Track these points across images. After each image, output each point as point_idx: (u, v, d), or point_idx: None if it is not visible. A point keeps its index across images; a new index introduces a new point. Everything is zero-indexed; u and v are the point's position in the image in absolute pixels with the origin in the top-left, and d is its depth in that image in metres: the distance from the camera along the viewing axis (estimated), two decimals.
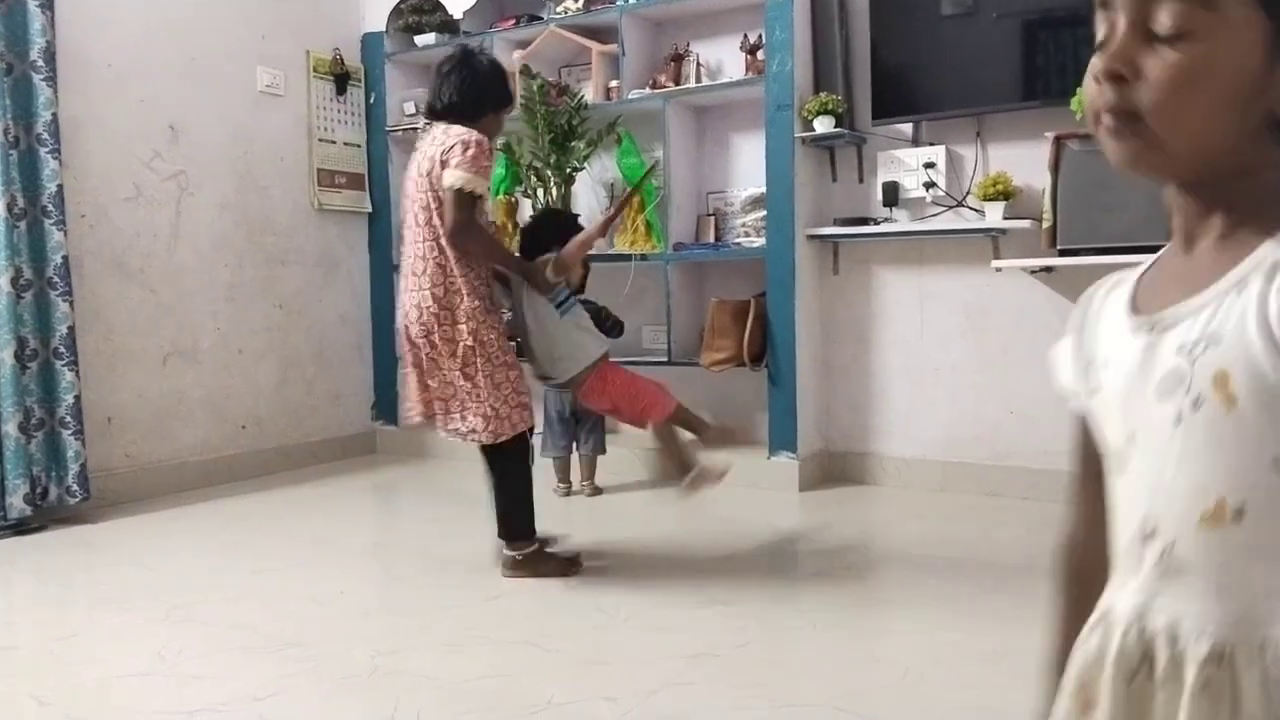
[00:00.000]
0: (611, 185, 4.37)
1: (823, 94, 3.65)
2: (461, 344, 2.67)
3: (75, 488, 3.43)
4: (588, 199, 4.40)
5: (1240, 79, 0.59)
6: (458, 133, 2.67)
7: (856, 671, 2.11)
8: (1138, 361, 0.64)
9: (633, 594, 2.61)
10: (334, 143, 4.68)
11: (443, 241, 2.66)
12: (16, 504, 3.29)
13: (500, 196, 4.43)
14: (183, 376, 4.00)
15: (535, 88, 4.09)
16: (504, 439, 2.68)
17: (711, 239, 4.07)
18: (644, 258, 4.04)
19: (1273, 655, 0.59)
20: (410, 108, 4.78)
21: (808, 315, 3.79)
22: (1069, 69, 3.30)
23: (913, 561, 2.91)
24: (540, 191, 4.18)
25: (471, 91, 2.74)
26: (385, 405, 4.84)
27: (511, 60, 4.37)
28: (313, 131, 4.58)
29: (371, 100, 4.81)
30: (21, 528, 3.30)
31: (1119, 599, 0.66)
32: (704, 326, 3.90)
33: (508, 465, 2.74)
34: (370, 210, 4.82)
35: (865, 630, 2.41)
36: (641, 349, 4.26)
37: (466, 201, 2.61)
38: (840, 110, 3.63)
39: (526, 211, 4.36)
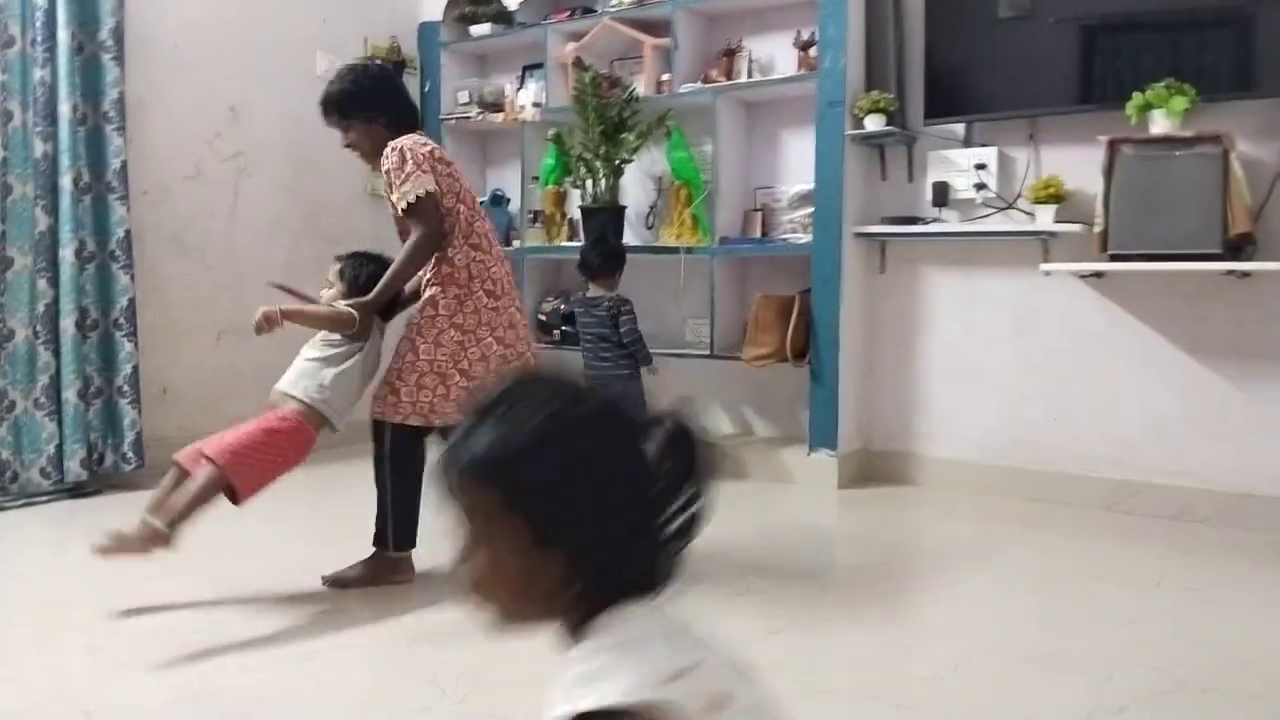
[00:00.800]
0: (659, 178, 4.39)
1: (875, 92, 3.65)
2: None
3: (130, 455, 3.53)
4: (635, 191, 4.43)
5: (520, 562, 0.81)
6: None
7: (890, 663, 2.12)
8: None
9: None
10: None
11: None
12: (74, 468, 3.40)
13: (549, 187, 4.48)
14: (235, 352, 4.09)
15: (587, 80, 4.13)
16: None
17: (758, 234, 4.08)
18: (690, 251, 4.06)
19: None
20: (464, 96, 4.85)
21: (852, 313, 3.79)
22: (1125, 73, 3.28)
23: (950, 561, 2.91)
24: (589, 183, 4.22)
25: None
26: None
27: (565, 52, 4.42)
28: None
29: (426, 88, 4.88)
30: (77, 491, 3.41)
31: None
32: (747, 321, 3.92)
33: None
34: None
35: (900, 624, 2.42)
36: (684, 342, 4.29)
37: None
38: (892, 109, 3.63)
39: (575, 202, 4.41)
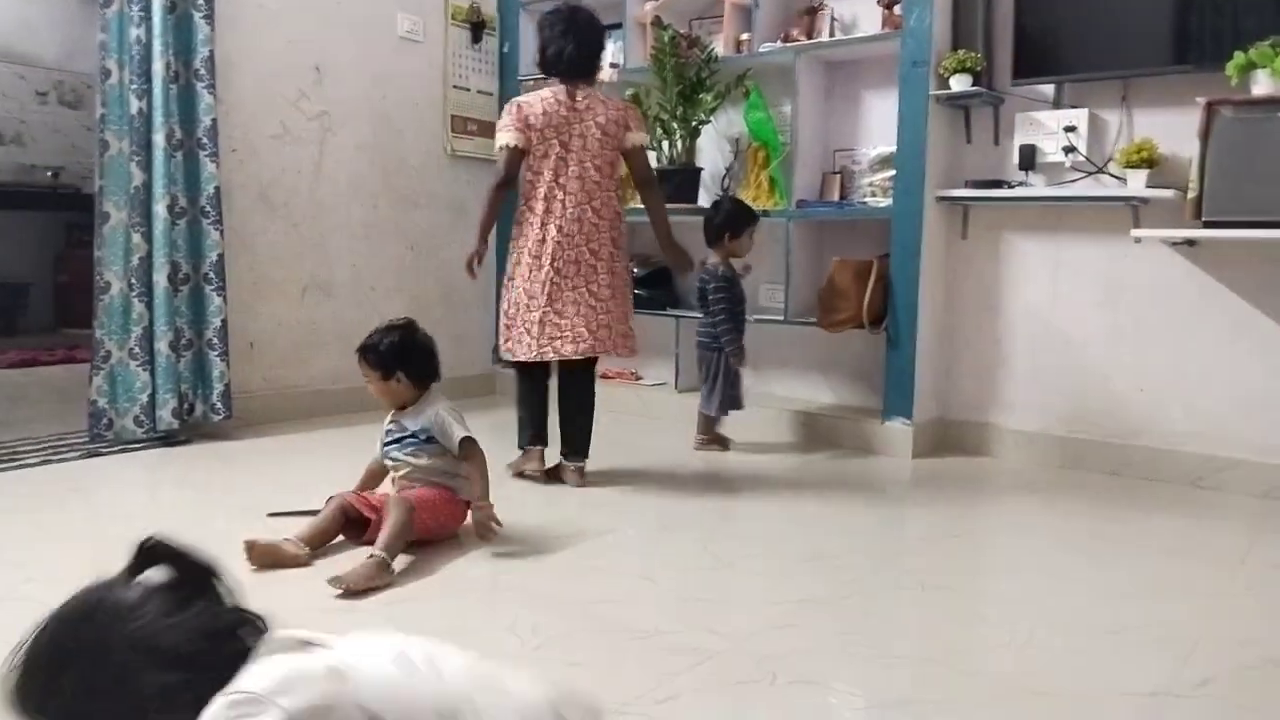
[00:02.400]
0: (736, 140, 4.35)
1: (961, 51, 3.55)
2: None
3: (219, 405, 3.66)
4: (712, 152, 4.40)
5: None
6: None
7: (960, 630, 2.11)
8: None
9: (741, 542, 2.65)
10: (467, 90, 4.79)
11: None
12: (165, 417, 3.53)
13: None
14: (319, 308, 4.20)
15: (665, 39, 4.10)
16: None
17: (836, 197, 4.02)
18: (765, 214, 4.03)
19: None
20: None
21: (932, 279, 3.72)
22: (1225, 32, 3.13)
23: (1026, 532, 2.86)
24: (665, 144, 4.20)
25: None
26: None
27: (644, 11, 4.39)
28: (447, 78, 4.70)
29: (505, 49, 4.89)
30: (168, 439, 3.54)
31: None
32: (823, 286, 3.88)
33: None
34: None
35: (972, 593, 2.40)
36: (758, 307, 4.26)
37: None
38: (979, 68, 3.53)
39: (652, 164, 4.38)
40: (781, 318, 3.98)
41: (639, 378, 4.67)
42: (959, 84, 3.53)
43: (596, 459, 3.31)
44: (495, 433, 4.20)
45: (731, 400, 3.76)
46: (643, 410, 4.40)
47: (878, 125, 3.97)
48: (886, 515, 3.11)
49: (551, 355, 3.14)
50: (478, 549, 2.50)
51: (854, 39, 3.92)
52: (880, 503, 3.20)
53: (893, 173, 3.74)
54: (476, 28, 4.78)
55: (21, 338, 6.51)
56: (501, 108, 4.90)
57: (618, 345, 3.24)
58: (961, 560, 2.61)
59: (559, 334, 3.12)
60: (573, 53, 3.15)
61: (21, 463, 3.23)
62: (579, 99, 3.18)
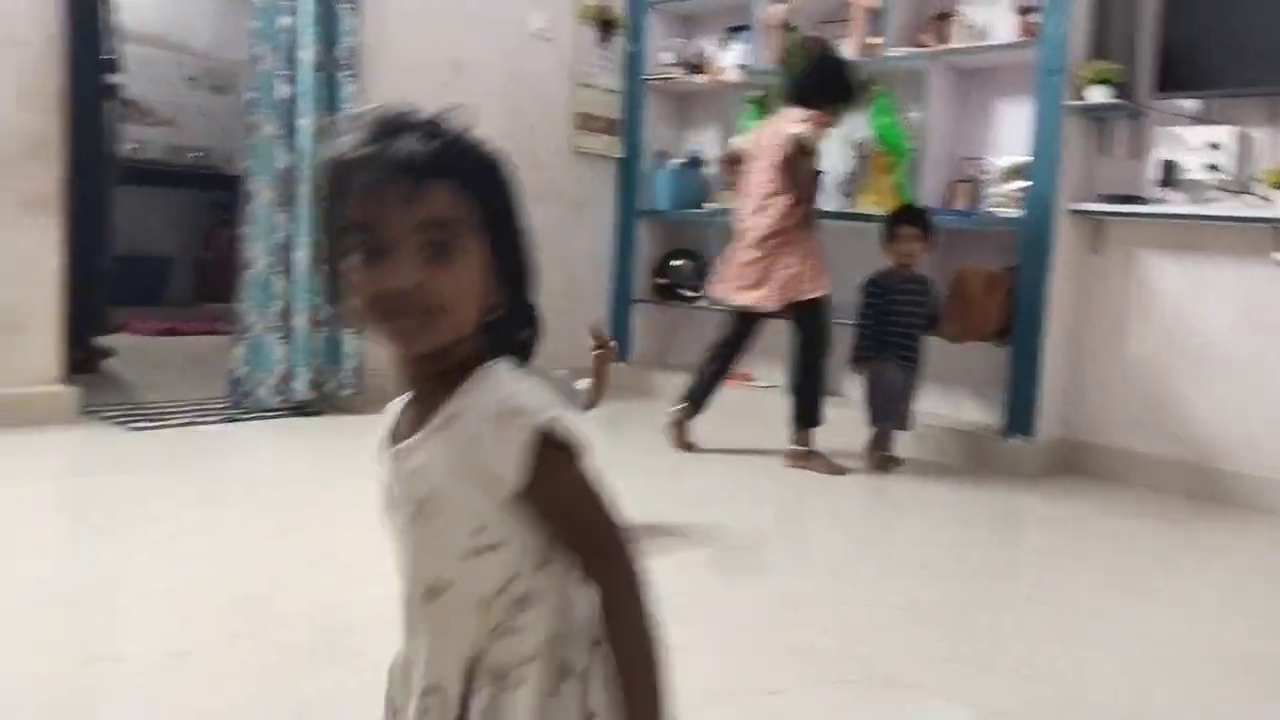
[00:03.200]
0: (860, 144, 4.32)
1: (1100, 61, 3.46)
2: None
3: (349, 380, 3.83)
4: (836, 158, 4.38)
5: (484, 278, 0.82)
6: None
7: (1067, 649, 2.07)
8: (389, 481, 0.87)
9: (849, 546, 2.65)
10: (594, 88, 4.87)
11: None
12: (300, 389, 3.71)
13: None
14: None
15: (793, 41, 4.10)
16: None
17: (963, 206, 3.96)
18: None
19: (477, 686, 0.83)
20: (668, 57, 4.90)
21: (1062, 294, 3.63)
22: None
23: (1148, 559, 2.78)
24: None
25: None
26: (617, 344, 5.04)
27: (772, 13, 4.39)
28: (575, 76, 4.79)
29: (632, 49, 4.96)
30: (302, 410, 3.73)
31: (405, 643, 0.90)
32: (945, 296, 3.82)
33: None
34: (621, 156, 4.99)
35: (1084, 613, 2.34)
36: None
37: None
38: (1118, 80, 3.43)
39: None
40: None
41: (751, 379, 4.68)
42: (1097, 95, 3.44)
43: (707, 459, 3.34)
44: (607, 429, 4.29)
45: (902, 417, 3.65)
46: (753, 412, 4.41)
47: (1009, 134, 3.89)
48: (1000, 530, 3.06)
49: None
50: None
51: (987, 46, 3.85)
52: (995, 518, 3.15)
53: (1023, 183, 3.66)
54: (605, 26, 4.86)
55: (164, 308, 6.89)
56: (626, 106, 5.00)
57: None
58: (1075, 580, 2.55)
59: None
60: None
61: (167, 423, 3.45)
62: None
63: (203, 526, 2.45)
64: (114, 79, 4.32)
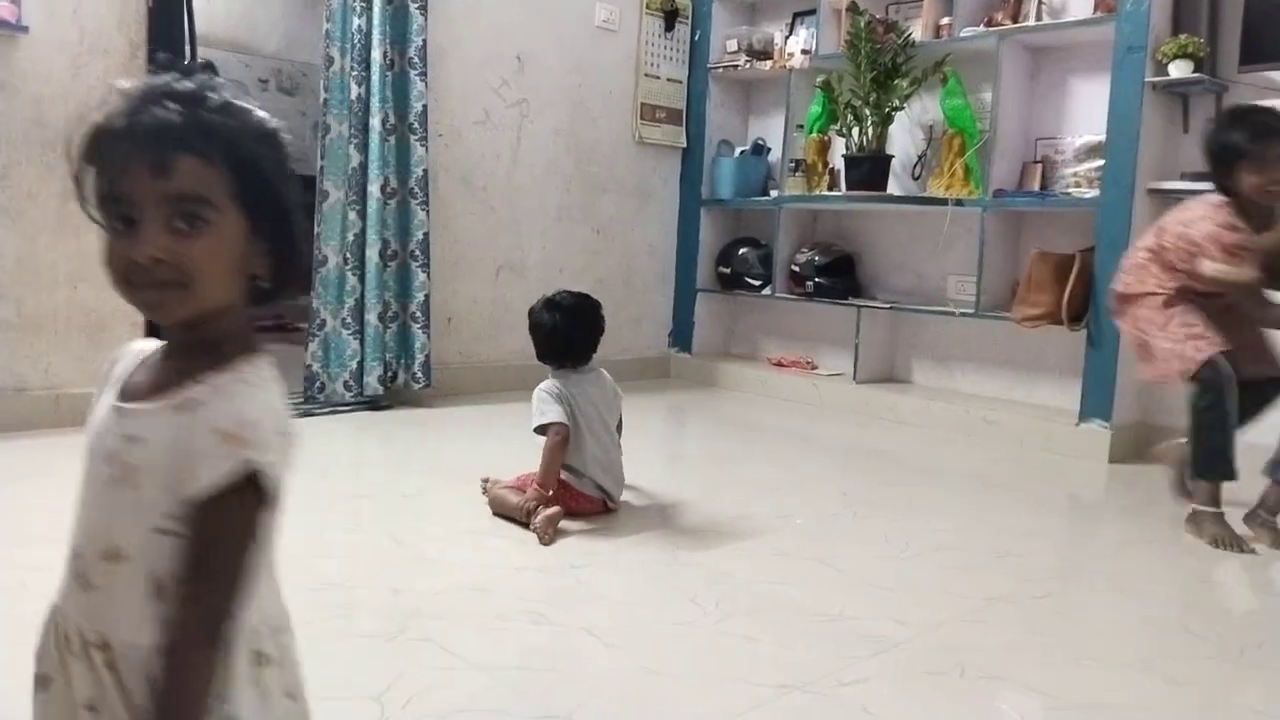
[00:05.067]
0: (930, 127, 4.25)
1: (1182, 35, 3.35)
2: None
3: (419, 375, 3.89)
4: (903, 140, 4.32)
5: (236, 252, 0.83)
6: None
7: (1160, 637, 2.01)
8: (101, 429, 0.85)
9: (925, 535, 2.61)
10: (657, 78, 4.87)
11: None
12: (371, 383, 3.78)
13: (814, 135, 4.44)
14: (511, 287, 4.38)
15: (861, 24, 4.05)
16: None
17: (1036, 187, 3.87)
18: (959, 203, 3.92)
19: (139, 651, 0.80)
20: (733, 45, 4.87)
21: None
22: None
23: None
24: (855, 131, 4.15)
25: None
26: (680, 334, 5.05)
27: None
28: (639, 66, 4.79)
29: (696, 37, 4.94)
30: (374, 404, 3.80)
31: (61, 594, 0.87)
32: (1017, 279, 3.75)
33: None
34: (685, 145, 4.98)
35: (1174, 601, 2.28)
36: (945, 299, 4.17)
37: None
38: (1201, 54, 3.32)
39: (839, 151, 4.35)
40: (972, 310, 3.87)
41: (815, 367, 4.64)
42: (1178, 70, 3.33)
43: (773, 447, 3.32)
44: (672, 417, 4.29)
45: None
46: (816, 401, 4.38)
47: (1084, 113, 3.79)
48: (1079, 517, 2.99)
49: None
50: (655, 528, 2.57)
51: (1063, 23, 3.76)
52: (1073, 505, 3.08)
53: (1100, 163, 3.57)
54: (670, 16, 4.85)
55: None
56: (690, 95, 4.98)
57: None
58: (1161, 568, 2.48)
59: None
60: None
61: None
62: None
63: (286, 514, 2.51)
64: None
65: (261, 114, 0.85)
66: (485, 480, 2.60)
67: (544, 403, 2.53)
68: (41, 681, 0.86)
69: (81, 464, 0.86)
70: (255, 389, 0.83)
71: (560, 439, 2.49)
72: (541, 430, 2.51)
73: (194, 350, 0.84)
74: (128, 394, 0.85)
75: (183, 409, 0.80)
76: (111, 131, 0.79)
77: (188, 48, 4.32)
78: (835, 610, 2.03)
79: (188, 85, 0.81)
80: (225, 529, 0.80)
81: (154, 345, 0.90)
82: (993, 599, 2.14)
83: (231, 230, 0.82)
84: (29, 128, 3.14)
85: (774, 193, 4.68)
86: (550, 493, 2.47)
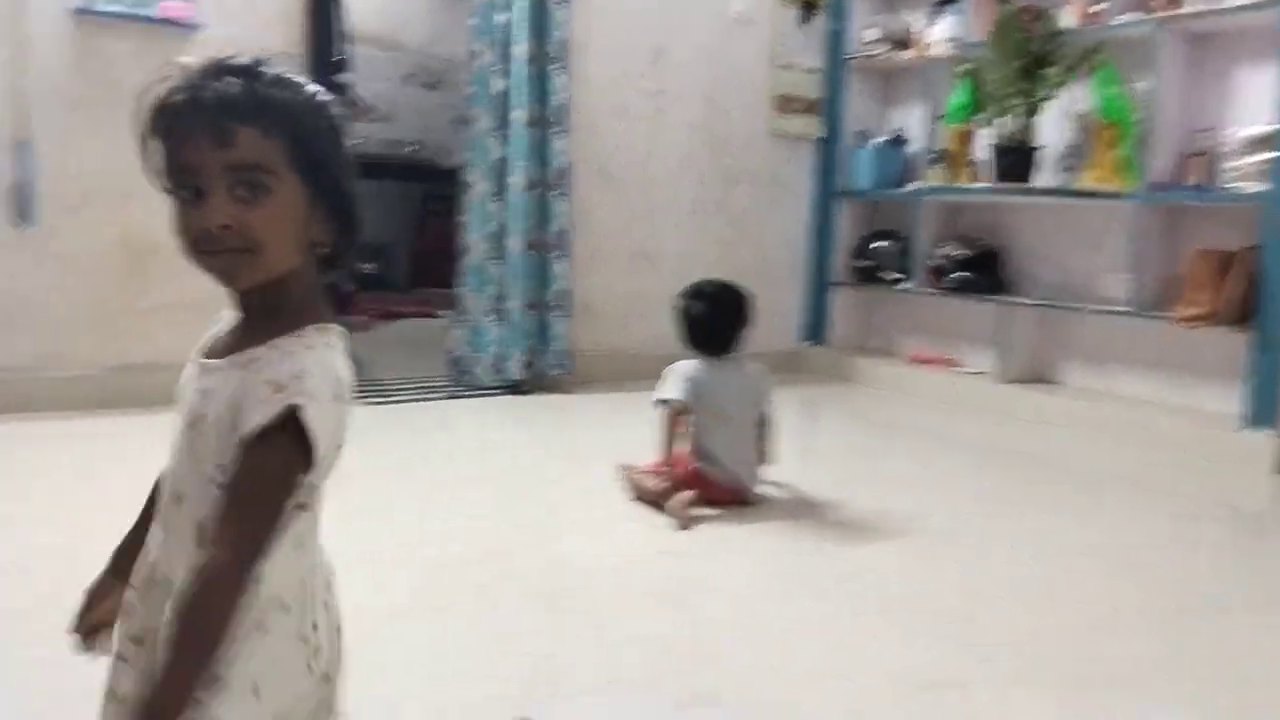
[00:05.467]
0: (1081, 117, 4.09)
1: None
2: None
3: (557, 362, 3.99)
4: (1052, 131, 4.16)
5: (298, 219, 0.87)
6: None
7: None
8: (186, 383, 0.90)
9: (1065, 538, 2.54)
10: (794, 69, 4.83)
11: None
12: (513, 369, 3.90)
13: (956, 125, 4.33)
14: (645, 278, 4.44)
15: (1008, 12, 3.93)
16: None
17: (1196, 181, 3.68)
18: (1113, 196, 3.77)
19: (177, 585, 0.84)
20: (872, 34, 4.80)
21: None
22: None
23: None
24: (1001, 121, 4.02)
25: None
26: (813, 327, 5.01)
27: None
28: (775, 57, 4.76)
29: (834, 27, 4.88)
30: (515, 388, 3.92)
31: (151, 533, 0.92)
32: (1173, 277, 3.58)
33: None
34: (820, 137, 4.93)
35: None
36: (1096, 296, 4.01)
37: None
38: None
39: (983, 142, 4.24)
40: (1125, 308, 3.72)
41: (956, 364, 4.54)
42: None
43: (910, 444, 3.27)
44: (805, 412, 4.27)
45: None
46: (956, 400, 4.28)
47: (1251, 103, 3.58)
48: (1238, 529, 2.85)
49: None
50: (791, 520, 2.58)
51: (1227, 8, 3.55)
52: (1232, 516, 2.93)
53: (1270, 155, 3.37)
54: (807, 7, 4.80)
55: (382, 293, 7.35)
56: (827, 86, 4.92)
57: None
58: None
59: None
60: None
61: (396, 399, 3.71)
62: None
63: (432, 492, 2.63)
64: (344, 79, 4.64)
65: (314, 87, 0.89)
66: (623, 466, 2.66)
67: (667, 380, 2.60)
68: (126, 610, 0.92)
69: (174, 425, 0.92)
70: (316, 351, 0.87)
71: (669, 415, 2.56)
72: (661, 405, 2.57)
73: (266, 315, 0.88)
74: (209, 352, 0.91)
75: (245, 366, 0.85)
76: (175, 105, 0.83)
77: (339, 43, 4.55)
78: (969, 611, 2.00)
79: (244, 60, 0.86)
80: (263, 466, 0.83)
81: (236, 315, 0.94)
82: (1136, 609, 2.07)
83: (292, 197, 0.86)
84: None
85: (914, 184, 4.59)
86: (668, 466, 2.52)
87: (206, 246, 0.84)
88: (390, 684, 1.56)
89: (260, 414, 0.82)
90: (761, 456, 2.67)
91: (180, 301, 3.34)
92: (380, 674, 1.60)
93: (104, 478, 2.54)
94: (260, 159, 0.83)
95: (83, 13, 3.10)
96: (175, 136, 0.84)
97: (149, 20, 3.20)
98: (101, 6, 3.13)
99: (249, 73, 0.85)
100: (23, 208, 3.06)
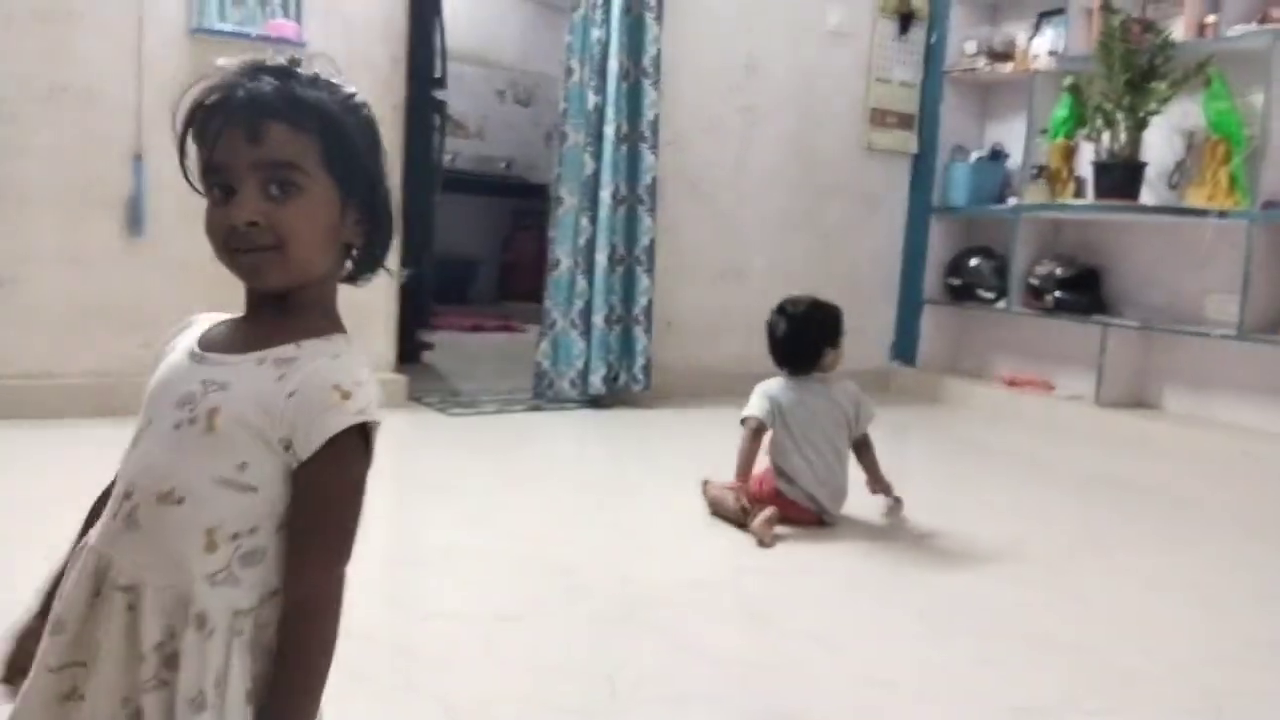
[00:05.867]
0: (1190, 133, 3.93)
1: None
2: None
3: (640, 377, 3.99)
4: (1159, 147, 4.01)
5: (329, 219, 0.85)
6: None
7: None
8: (174, 376, 0.86)
9: (1175, 571, 2.42)
10: (889, 82, 4.76)
11: None
12: (595, 382, 3.91)
13: (1059, 140, 4.21)
14: (732, 294, 4.41)
15: (1115, 23, 3.81)
16: None
17: None
18: (1222, 215, 3.61)
19: (171, 596, 0.80)
20: (971, 47, 4.70)
21: None
22: None
23: None
24: (1106, 136, 3.90)
25: None
26: (903, 346, 4.91)
27: None
28: (871, 70, 4.70)
29: (933, 40, 4.80)
30: (596, 402, 3.93)
31: (98, 535, 0.85)
32: None
33: None
34: (916, 151, 4.85)
35: None
36: (1201, 318, 3.84)
37: None
38: None
39: (1087, 157, 4.10)
40: (1234, 332, 3.55)
41: (1052, 387, 4.39)
42: None
43: (1005, 469, 3.17)
44: (894, 434, 4.17)
45: None
46: (1052, 424, 4.13)
47: None
48: None
49: None
50: (876, 541, 2.52)
51: None
52: None
53: None
54: (905, 19, 4.74)
55: (469, 306, 7.48)
56: (924, 99, 4.84)
57: None
58: None
59: None
60: None
61: (480, 410, 3.75)
62: None
63: (516, 502, 2.65)
64: (440, 95, 4.74)
65: (350, 88, 0.88)
66: (705, 482, 2.63)
67: (752, 397, 2.59)
68: (57, 626, 0.84)
69: (143, 413, 0.87)
70: (351, 357, 0.86)
71: (749, 432, 2.54)
72: (743, 423, 2.56)
73: (284, 316, 0.86)
74: (208, 347, 0.87)
75: (277, 365, 0.83)
76: (210, 103, 0.83)
77: (438, 60, 4.66)
78: (1069, 639, 1.92)
79: (279, 60, 0.85)
80: (345, 484, 0.83)
81: (224, 316, 0.92)
82: (1251, 643, 1.96)
83: (323, 196, 0.84)
84: None
85: (1012, 200, 4.47)
86: (745, 484, 2.50)
87: (235, 244, 0.83)
88: (481, 685, 1.58)
89: (334, 423, 0.81)
90: (872, 478, 2.64)
91: None
92: (472, 675, 1.61)
93: None
94: (292, 157, 0.83)
95: (198, 31, 3.24)
96: (208, 135, 0.83)
97: (258, 39, 3.31)
98: (215, 25, 3.25)
99: (284, 72, 0.85)
100: (135, 218, 3.19)
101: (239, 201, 0.82)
